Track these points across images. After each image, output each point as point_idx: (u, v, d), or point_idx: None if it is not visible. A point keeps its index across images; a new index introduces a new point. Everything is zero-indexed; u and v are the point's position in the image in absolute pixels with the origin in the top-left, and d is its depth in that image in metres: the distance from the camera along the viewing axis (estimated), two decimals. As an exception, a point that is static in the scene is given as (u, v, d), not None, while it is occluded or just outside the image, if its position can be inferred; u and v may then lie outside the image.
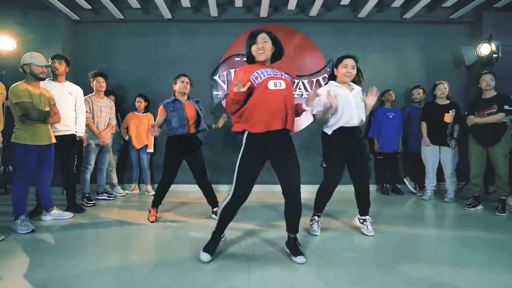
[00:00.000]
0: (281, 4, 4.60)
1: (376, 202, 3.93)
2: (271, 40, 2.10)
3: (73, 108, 3.39)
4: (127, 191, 4.49)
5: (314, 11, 4.49)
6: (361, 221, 2.65)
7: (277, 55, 2.18)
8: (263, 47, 2.05)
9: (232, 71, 4.75)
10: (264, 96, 1.94)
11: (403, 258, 2.12)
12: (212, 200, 3.12)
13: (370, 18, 4.66)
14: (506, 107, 3.23)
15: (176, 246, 2.35)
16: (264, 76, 1.97)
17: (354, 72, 2.49)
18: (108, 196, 4.05)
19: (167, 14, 4.56)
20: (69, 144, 3.33)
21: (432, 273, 1.88)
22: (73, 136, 3.38)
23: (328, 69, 4.71)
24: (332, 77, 2.63)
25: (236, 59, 4.77)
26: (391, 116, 4.38)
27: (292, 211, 2.07)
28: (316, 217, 2.67)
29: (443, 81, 3.90)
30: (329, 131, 2.52)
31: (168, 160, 2.99)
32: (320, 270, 1.92)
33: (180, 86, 3.08)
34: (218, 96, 4.76)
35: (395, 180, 4.51)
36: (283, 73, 2.08)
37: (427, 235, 2.66)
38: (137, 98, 4.52)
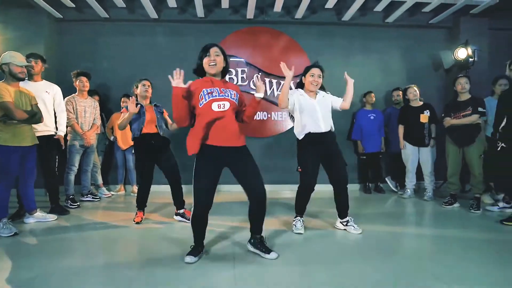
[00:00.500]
0: (267, 6, 4.66)
1: (359, 201, 4.05)
2: (222, 54, 2.11)
3: (52, 108, 3.35)
4: (112, 192, 4.46)
5: (300, 13, 4.58)
6: (344, 223, 2.73)
7: (225, 70, 2.18)
8: (214, 59, 2.06)
9: (219, 72, 4.77)
10: (208, 117, 1.99)
11: (386, 253, 2.21)
12: (178, 201, 3.14)
13: (353, 22, 4.78)
14: (479, 109, 3.39)
15: (161, 246, 2.37)
16: (209, 97, 2.01)
17: (320, 80, 2.63)
18: (93, 198, 4.02)
19: (153, 14, 4.55)
20: (49, 144, 3.29)
21: (413, 266, 1.98)
22: (53, 136, 3.35)
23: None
24: (300, 85, 2.77)
25: (222, 60, 4.80)
26: (372, 117, 4.51)
27: (256, 211, 2.13)
28: (298, 217, 2.75)
29: (412, 85, 4.09)
30: (299, 136, 2.66)
31: (138, 160, 3.04)
32: (305, 268, 1.99)
33: (141, 90, 3.12)
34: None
35: (377, 179, 4.65)
36: (229, 92, 2.07)
37: (408, 232, 2.77)
38: (122, 99, 4.49)
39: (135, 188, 4.48)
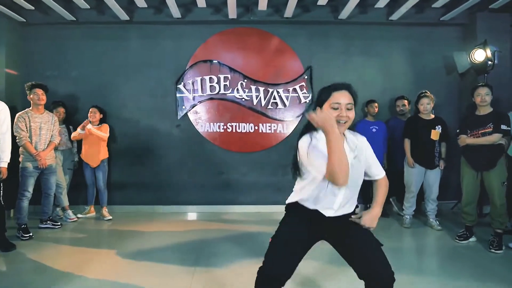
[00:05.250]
0: (252, 4, 4.10)
1: None
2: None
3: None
4: (80, 215, 3.99)
5: (289, 12, 3.99)
6: None
7: None
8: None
9: (199, 79, 4.24)
10: None
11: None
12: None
13: (352, 20, 4.18)
14: (503, 127, 2.77)
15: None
16: None
17: (352, 115, 1.40)
18: (53, 225, 3.54)
19: (123, 16, 4.04)
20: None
21: None
22: None
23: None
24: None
25: (203, 65, 4.27)
26: (374, 130, 3.92)
27: None
28: None
29: (427, 93, 3.42)
30: (290, 198, 1.55)
31: None
32: None
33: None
34: (183, 107, 4.25)
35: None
36: None
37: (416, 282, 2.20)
38: (91, 109, 4.01)
39: (105, 211, 4.00)
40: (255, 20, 4.22)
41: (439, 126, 3.38)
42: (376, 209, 1.49)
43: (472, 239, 3.04)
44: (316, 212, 1.44)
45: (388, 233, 3.39)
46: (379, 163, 1.55)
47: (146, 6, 3.94)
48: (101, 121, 4.12)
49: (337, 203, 1.42)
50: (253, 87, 4.24)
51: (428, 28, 4.32)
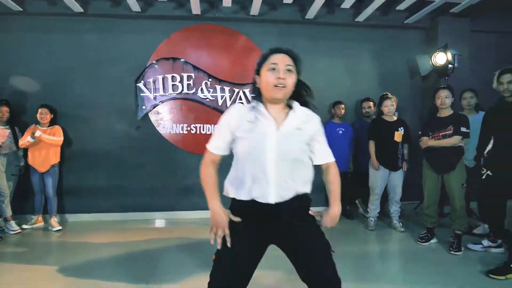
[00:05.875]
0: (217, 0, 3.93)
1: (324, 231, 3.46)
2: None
3: None
4: (25, 226, 3.63)
5: (255, 9, 3.87)
6: None
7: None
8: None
9: (161, 77, 4.00)
10: None
11: None
12: None
13: (319, 20, 4.13)
14: (463, 129, 2.80)
15: None
16: None
17: (292, 80, 1.26)
18: (-8, 237, 3.19)
19: (76, 7, 3.72)
20: None
21: None
22: None
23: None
24: (256, 90, 1.36)
25: (165, 62, 4.03)
26: (340, 132, 3.89)
27: None
28: None
29: (389, 95, 3.41)
30: (229, 192, 1.36)
31: None
32: None
33: None
34: (143, 107, 4.00)
35: (345, 203, 4.04)
36: None
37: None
38: (40, 110, 3.65)
39: (54, 221, 3.66)
40: (221, 17, 4.05)
41: (402, 128, 3.38)
42: (335, 208, 1.33)
43: (433, 240, 3.06)
44: (256, 205, 1.25)
45: (352, 237, 3.35)
46: (329, 147, 1.37)
47: (100, -3, 3.66)
48: (52, 122, 3.78)
49: (271, 183, 1.23)
50: (218, 87, 4.07)
51: (393, 31, 4.36)
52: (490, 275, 2.33)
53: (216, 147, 1.33)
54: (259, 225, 1.27)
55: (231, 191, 1.33)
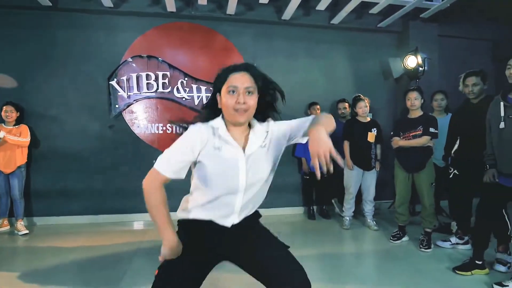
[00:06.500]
0: (193, -3, 3.87)
1: (298, 231, 3.54)
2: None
3: None
4: (-12, 230, 3.43)
5: (231, 9, 3.85)
6: None
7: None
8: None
9: (135, 75, 3.90)
10: None
11: None
12: None
13: (296, 21, 4.16)
14: (431, 129, 2.90)
15: None
16: None
17: (253, 102, 1.20)
18: (-52, 243, 2.98)
19: (43, 1, 3.54)
20: None
21: None
22: None
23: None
24: (213, 107, 1.29)
25: (140, 60, 3.93)
26: (317, 133, 3.93)
27: None
28: None
29: (361, 97, 3.49)
30: (179, 213, 1.33)
31: None
32: None
33: None
34: (116, 106, 3.88)
35: (322, 202, 4.10)
36: None
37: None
38: (4, 107, 3.47)
39: (20, 225, 3.47)
40: (197, 16, 3.99)
41: (375, 129, 3.47)
42: (315, 129, 1.10)
43: (405, 238, 3.15)
44: (211, 224, 1.23)
45: (328, 236, 3.39)
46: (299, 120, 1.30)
47: (68, -9, 3.52)
48: (18, 121, 3.59)
49: (237, 208, 1.23)
50: (194, 86, 4.01)
51: (367, 34, 4.46)
52: (457, 271, 2.41)
53: (174, 171, 1.18)
54: (208, 242, 1.24)
55: (192, 212, 1.27)
